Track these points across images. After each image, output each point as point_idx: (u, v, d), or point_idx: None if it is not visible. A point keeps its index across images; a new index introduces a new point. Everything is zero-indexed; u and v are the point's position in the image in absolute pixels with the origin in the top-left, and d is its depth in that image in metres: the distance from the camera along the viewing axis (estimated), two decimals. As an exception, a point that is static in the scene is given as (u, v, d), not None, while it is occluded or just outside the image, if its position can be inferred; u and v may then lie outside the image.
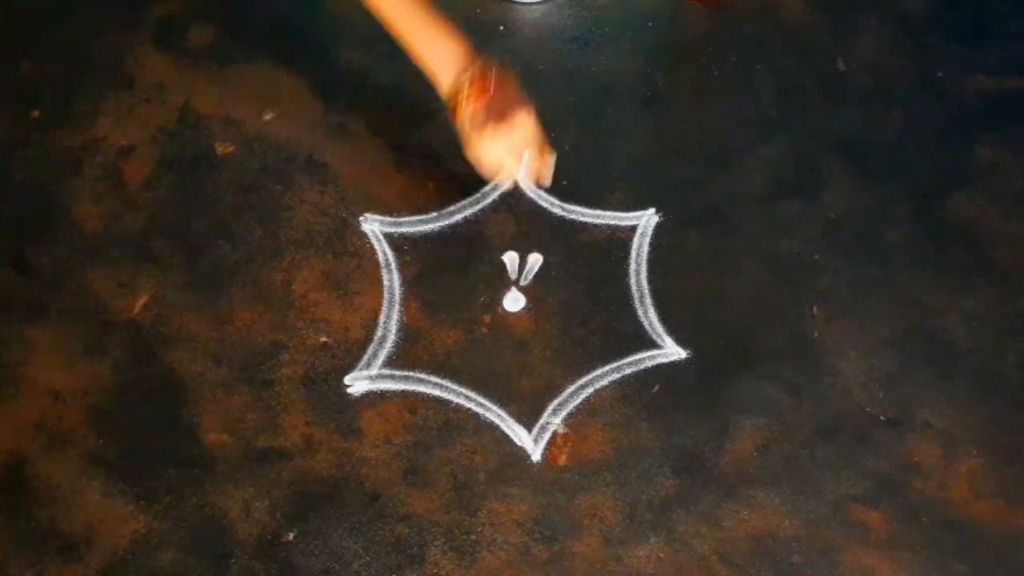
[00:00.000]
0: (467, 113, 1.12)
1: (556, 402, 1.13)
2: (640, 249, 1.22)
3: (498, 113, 1.11)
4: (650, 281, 1.20)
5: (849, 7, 1.39)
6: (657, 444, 1.11)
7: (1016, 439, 1.11)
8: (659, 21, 1.38)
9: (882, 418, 1.13)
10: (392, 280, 1.19)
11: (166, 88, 1.31)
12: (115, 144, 1.27)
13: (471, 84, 1.12)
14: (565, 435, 1.11)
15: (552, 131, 1.28)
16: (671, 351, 1.16)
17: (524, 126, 1.14)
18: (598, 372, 1.14)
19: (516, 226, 1.22)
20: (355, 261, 1.20)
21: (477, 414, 1.12)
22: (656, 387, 1.14)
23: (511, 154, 1.14)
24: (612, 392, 1.13)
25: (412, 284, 1.19)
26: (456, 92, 1.13)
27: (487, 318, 1.18)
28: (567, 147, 1.27)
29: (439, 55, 1.13)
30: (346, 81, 1.28)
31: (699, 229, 1.23)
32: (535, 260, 1.20)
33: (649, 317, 1.17)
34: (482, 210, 1.23)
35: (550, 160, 1.19)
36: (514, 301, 1.18)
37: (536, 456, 1.10)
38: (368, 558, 1.05)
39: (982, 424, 1.12)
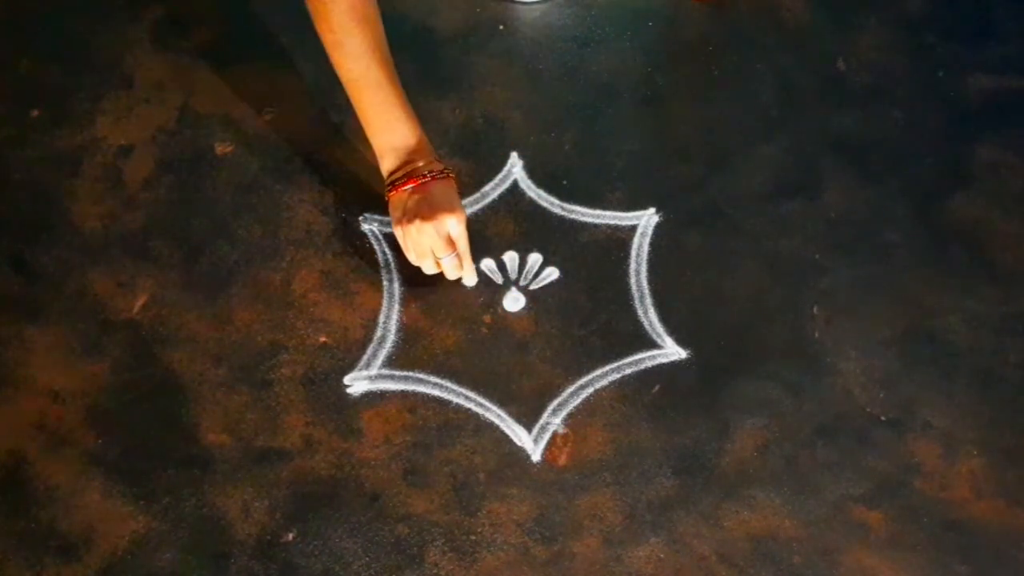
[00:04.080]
0: (402, 199, 1.11)
1: (556, 402, 1.13)
2: (640, 249, 1.21)
3: (430, 208, 1.10)
4: (650, 281, 1.19)
5: (849, 7, 1.39)
6: (657, 444, 1.11)
7: (1016, 439, 1.12)
8: (659, 21, 1.38)
9: (882, 418, 1.13)
10: (392, 280, 1.19)
11: (165, 88, 1.30)
12: (114, 144, 1.27)
13: (414, 174, 1.11)
14: (565, 435, 1.11)
15: (552, 131, 1.28)
16: (671, 351, 1.16)
17: (450, 229, 1.11)
18: (598, 372, 1.14)
19: (516, 226, 1.22)
20: (355, 261, 1.20)
21: (477, 414, 1.12)
22: (656, 387, 1.14)
23: (430, 251, 1.12)
24: (612, 392, 1.13)
25: (412, 284, 1.19)
26: (397, 174, 1.12)
27: (487, 318, 1.17)
28: (567, 147, 1.27)
29: (391, 136, 1.12)
30: (346, 81, 1.27)
31: (699, 229, 1.23)
32: (535, 260, 1.20)
33: (649, 317, 1.17)
34: (482, 210, 1.23)
35: (468, 273, 1.16)
36: (514, 301, 1.18)
37: (536, 456, 1.10)
38: (368, 558, 1.05)
39: (982, 424, 1.12)
